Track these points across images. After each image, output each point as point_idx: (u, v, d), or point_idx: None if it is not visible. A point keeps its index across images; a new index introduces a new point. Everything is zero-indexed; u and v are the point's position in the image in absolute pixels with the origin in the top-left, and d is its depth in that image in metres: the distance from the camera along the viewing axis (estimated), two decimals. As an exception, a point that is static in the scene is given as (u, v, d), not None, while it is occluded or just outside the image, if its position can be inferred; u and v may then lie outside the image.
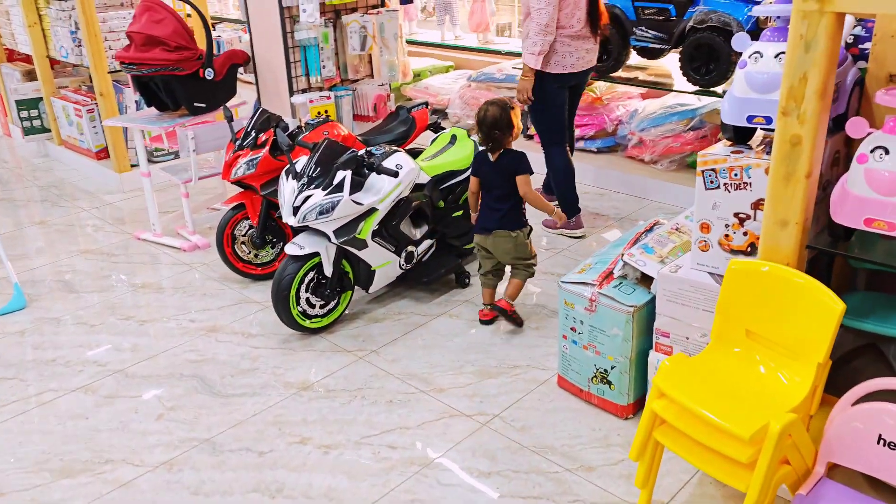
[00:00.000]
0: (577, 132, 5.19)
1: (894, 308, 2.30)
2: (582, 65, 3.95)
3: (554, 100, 3.96)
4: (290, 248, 3.17)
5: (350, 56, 4.36)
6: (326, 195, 3.06)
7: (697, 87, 4.40)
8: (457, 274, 3.68)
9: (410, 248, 3.47)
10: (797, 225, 2.00)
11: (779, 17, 2.20)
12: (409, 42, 6.93)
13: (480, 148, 3.24)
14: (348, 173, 3.07)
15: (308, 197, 3.09)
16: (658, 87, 4.78)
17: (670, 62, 5.12)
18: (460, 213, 3.72)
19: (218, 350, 3.28)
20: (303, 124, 3.82)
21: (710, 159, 2.32)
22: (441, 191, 3.65)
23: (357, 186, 3.13)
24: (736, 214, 2.32)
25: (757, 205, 2.27)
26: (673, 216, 3.16)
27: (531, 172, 3.15)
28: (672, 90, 4.72)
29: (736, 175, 2.28)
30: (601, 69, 4.76)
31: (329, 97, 4.26)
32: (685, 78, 4.41)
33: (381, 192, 3.19)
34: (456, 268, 3.65)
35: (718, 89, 4.38)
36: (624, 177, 4.82)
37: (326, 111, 4.26)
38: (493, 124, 3.09)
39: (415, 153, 4.16)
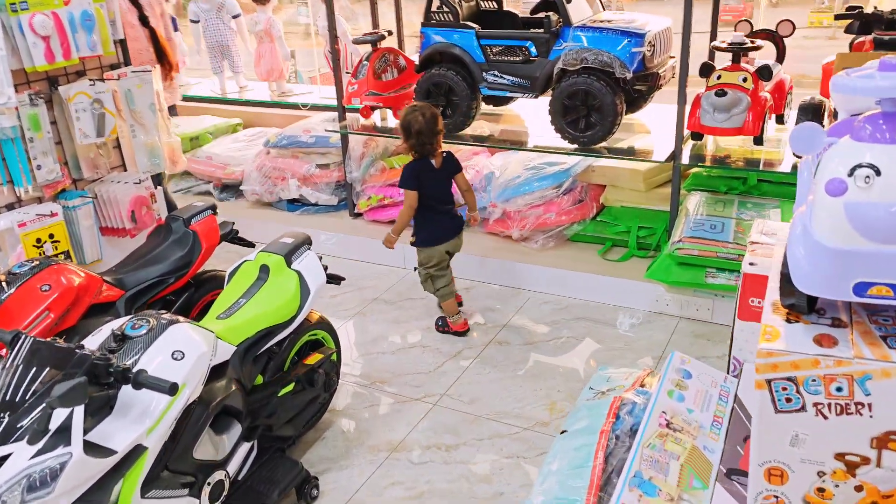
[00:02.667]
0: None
1: None
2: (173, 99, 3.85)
3: None
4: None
5: (82, 146, 2.85)
6: (38, 454, 1.61)
7: (575, 146, 3.41)
8: (299, 487, 2.34)
9: (217, 474, 2.08)
10: None
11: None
12: (196, 100, 5.40)
13: (410, 160, 3.12)
14: (79, 408, 1.64)
15: (1, 459, 1.62)
16: (523, 149, 3.73)
17: (521, 107, 4.13)
18: (290, 386, 2.38)
19: None
20: (2, 277, 2.29)
21: (787, 361, 1.23)
22: (256, 360, 2.30)
23: (99, 410, 1.72)
24: (841, 456, 1.25)
25: (885, 441, 1.22)
26: (619, 371, 2.10)
27: None
28: (542, 150, 3.68)
29: (840, 390, 1.21)
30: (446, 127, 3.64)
31: (54, 214, 2.73)
32: (559, 134, 3.40)
33: (150, 413, 1.78)
34: (297, 477, 2.32)
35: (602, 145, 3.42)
36: (491, 263, 3.73)
37: (52, 236, 2.72)
38: (422, 131, 2.98)
39: (202, 284, 2.79)
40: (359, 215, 4.26)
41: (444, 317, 3.29)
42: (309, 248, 2.52)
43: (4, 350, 1.78)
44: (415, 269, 3.29)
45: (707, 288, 3.16)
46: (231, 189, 4.77)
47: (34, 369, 1.71)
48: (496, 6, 3.81)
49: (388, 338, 3.32)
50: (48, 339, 1.75)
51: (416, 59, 4.04)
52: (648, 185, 3.61)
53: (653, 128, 3.67)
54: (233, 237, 2.93)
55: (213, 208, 2.83)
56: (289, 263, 2.42)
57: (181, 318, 2.02)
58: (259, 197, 4.54)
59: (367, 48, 3.96)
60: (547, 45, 3.31)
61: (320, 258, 2.53)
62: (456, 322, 3.25)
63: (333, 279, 2.65)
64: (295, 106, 4.54)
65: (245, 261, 2.47)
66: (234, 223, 2.94)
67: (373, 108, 3.97)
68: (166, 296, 2.67)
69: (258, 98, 5.00)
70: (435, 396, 2.87)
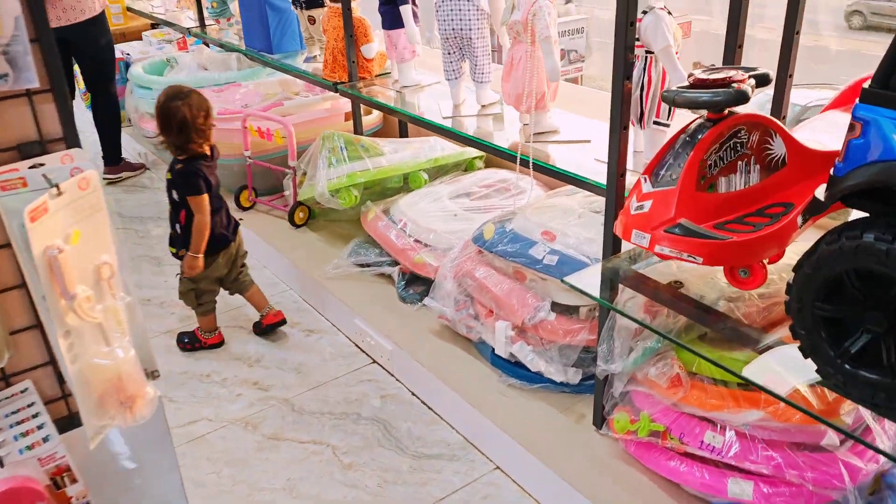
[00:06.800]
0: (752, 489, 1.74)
1: None
2: None
3: None
4: None
5: None
6: None
7: None
8: None
9: None
10: None
11: None
12: (388, 111, 3.48)
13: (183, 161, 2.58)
14: None
15: None
16: None
17: None
18: None
19: None
20: None
21: None
22: None
23: None
24: None
25: None
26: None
27: None
28: None
29: None
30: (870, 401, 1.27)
31: None
32: None
33: None
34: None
35: None
36: None
37: None
38: (185, 126, 2.51)
39: None
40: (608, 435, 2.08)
41: (191, 333, 2.80)
42: None
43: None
44: (177, 275, 2.72)
45: None
46: (423, 283, 2.87)
47: None
48: None
49: None
50: None
51: (793, 132, 1.69)
52: None
53: None
54: None
55: None
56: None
57: None
58: (450, 324, 2.58)
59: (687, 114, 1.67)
60: None
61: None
62: (211, 336, 2.79)
63: None
64: (544, 169, 2.38)
65: None
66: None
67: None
68: None
69: (492, 143, 2.85)
70: None
